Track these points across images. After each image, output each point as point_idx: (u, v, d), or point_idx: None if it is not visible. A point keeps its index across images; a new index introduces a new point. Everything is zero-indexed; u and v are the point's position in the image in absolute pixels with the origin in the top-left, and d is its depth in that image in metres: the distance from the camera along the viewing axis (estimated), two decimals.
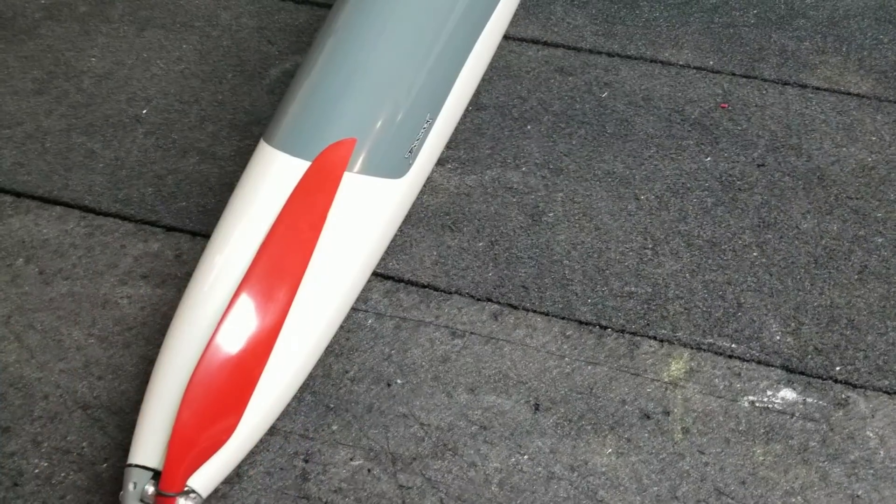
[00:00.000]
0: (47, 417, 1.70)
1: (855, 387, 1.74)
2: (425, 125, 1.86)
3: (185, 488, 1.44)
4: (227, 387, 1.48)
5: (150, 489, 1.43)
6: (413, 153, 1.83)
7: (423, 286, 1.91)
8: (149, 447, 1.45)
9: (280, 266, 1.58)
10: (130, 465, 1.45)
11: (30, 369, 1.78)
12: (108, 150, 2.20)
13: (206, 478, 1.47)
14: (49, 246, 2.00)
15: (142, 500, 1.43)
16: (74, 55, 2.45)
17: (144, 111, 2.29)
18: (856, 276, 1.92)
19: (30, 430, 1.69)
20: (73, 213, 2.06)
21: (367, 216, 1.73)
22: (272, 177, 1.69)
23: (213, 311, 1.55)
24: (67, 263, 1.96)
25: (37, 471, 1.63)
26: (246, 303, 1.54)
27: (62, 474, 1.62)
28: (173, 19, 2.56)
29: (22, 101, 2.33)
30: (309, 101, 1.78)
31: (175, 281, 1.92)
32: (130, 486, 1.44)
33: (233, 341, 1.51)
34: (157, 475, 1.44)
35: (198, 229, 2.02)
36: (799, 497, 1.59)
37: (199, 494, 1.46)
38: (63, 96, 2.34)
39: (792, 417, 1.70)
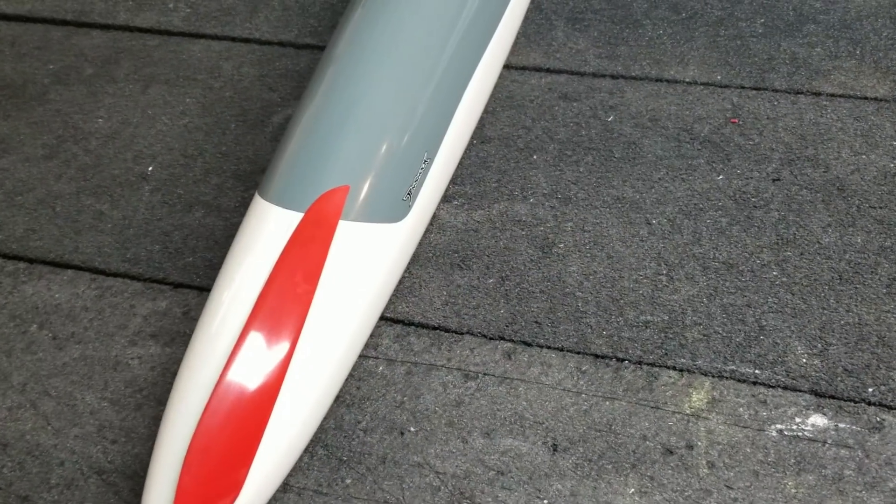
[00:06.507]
0: (64, 485, 1.69)
1: (890, 408, 1.65)
2: (423, 165, 1.83)
3: None
4: (228, 447, 1.46)
5: None
6: (412, 195, 1.80)
7: (434, 328, 1.87)
8: None
9: (277, 321, 1.55)
10: None
11: (46, 436, 1.77)
12: (116, 210, 2.21)
13: None
14: (61, 310, 2.00)
15: None
16: (82, 118, 2.48)
17: (150, 168, 2.30)
18: (884, 290, 1.83)
19: (47, 497, 1.68)
20: (84, 276, 2.07)
21: (367, 263, 1.70)
22: (266, 232, 1.68)
23: (212, 371, 1.53)
24: (79, 327, 1.96)
25: None
26: (244, 360, 1.52)
27: None
28: (176, 74, 2.57)
29: (33, 167, 2.35)
30: (300, 152, 1.77)
31: (184, 338, 1.90)
32: None
33: (232, 400, 1.48)
34: None
35: (204, 284, 2.01)
36: None
37: None
38: (72, 159, 2.36)
39: (824, 445, 1.62)
